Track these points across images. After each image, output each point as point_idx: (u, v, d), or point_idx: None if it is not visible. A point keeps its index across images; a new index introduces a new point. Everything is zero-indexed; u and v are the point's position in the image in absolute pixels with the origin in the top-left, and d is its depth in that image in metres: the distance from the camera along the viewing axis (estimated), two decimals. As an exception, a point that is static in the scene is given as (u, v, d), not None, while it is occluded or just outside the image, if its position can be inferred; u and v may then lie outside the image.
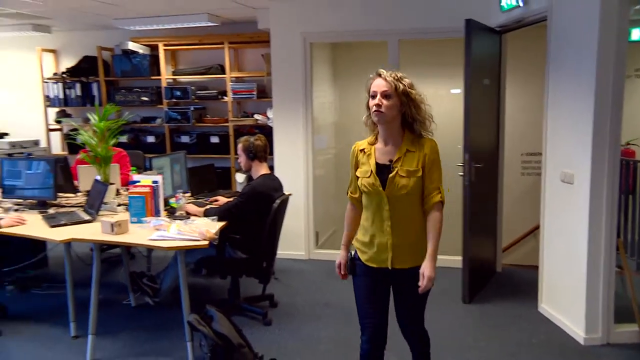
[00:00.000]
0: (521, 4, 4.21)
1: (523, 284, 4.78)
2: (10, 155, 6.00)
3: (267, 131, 5.74)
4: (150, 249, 4.78)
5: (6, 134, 7.04)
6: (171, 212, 3.92)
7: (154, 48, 6.84)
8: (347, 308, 3.93)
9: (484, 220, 4.87)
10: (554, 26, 3.91)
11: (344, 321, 3.98)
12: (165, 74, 6.81)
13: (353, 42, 5.59)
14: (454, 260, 4.69)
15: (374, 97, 2.33)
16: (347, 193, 2.60)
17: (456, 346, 3.62)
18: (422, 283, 2.33)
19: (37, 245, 4.65)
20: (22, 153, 6.32)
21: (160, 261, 4.94)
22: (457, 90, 5.84)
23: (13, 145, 6.56)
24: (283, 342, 3.70)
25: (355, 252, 2.53)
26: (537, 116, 4.31)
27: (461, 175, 4.40)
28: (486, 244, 5.00)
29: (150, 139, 6.89)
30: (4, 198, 4.45)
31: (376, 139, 2.46)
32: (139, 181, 3.87)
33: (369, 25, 5.20)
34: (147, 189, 3.75)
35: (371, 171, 2.39)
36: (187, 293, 3.32)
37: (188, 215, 3.89)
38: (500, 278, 5.04)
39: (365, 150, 2.48)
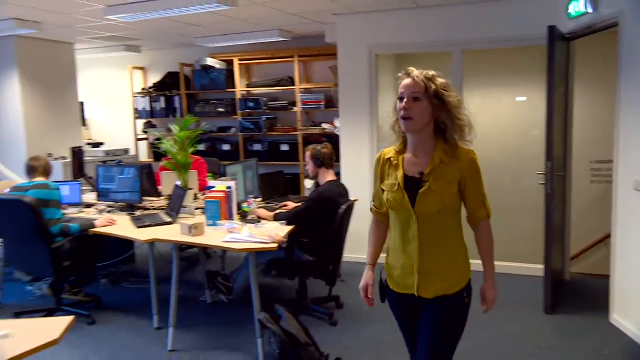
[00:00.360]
0: (590, 11, 3.97)
1: (592, 294, 4.51)
2: (104, 162, 6.33)
3: (334, 139, 5.74)
4: (224, 250, 4.89)
5: (102, 144, 7.45)
6: (243, 216, 3.99)
7: (229, 63, 7.04)
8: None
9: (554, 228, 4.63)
10: (625, 32, 3.67)
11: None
12: (240, 87, 6.99)
13: (417, 53, 5.49)
14: (524, 267, 4.48)
15: (401, 99, 1.92)
16: (371, 208, 2.23)
17: (526, 357, 3.45)
18: (486, 305, 2.06)
19: (127, 243, 4.88)
20: (114, 160, 6.66)
21: (233, 261, 5.04)
22: (523, 98, 5.62)
23: (107, 153, 6.94)
24: (347, 343, 3.67)
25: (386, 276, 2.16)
26: (606, 123, 4.06)
27: (542, 184, 4.19)
28: (555, 253, 4.74)
29: (226, 147, 7.08)
30: (99, 201, 4.71)
31: (405, 147, 2.04)
32: (214, 187, 3.98)
33: (433, 36, 5.10)
34: (221, 194, 3.84)
35: (398, 185, 1.98)
36: (258, 292, 3.37)
37: (259, 219, 3.94)
38: (569, 287, 4.77)
39: (392, 159, 2.05)
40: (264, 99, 6.76)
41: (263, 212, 4.03)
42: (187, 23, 5.50)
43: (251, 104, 6.80)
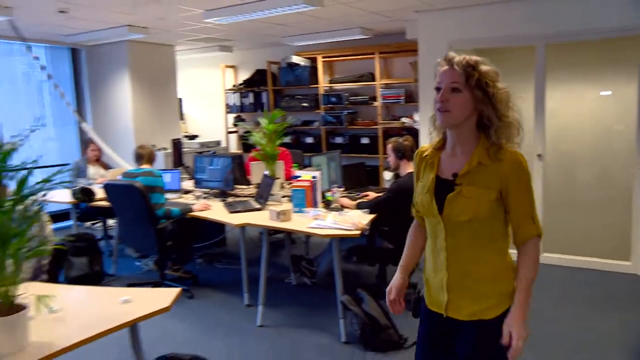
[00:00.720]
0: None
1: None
2: (200, 153, 6.68)
3: (412, 133, 5.71)
4: (308, 236, 5.02)
5: (197, 136, 7.87)
6: (327, 204, 4.08)
7: (313, 60, 7.16)
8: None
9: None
10: None
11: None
12: (323, 83, 7.10)
13: (496, 48, 5.31)
14: (608, 264, 4.24)
15: (438, 89, 1.60)
16: (412, 207, 1.86)
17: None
18: (511, 343, 1.56)
19: (218, 227, 5.15)
20: (208, 151, 7.02)
21: (316, 247, 5.17)
22: (607, 92, 5.29)
23: (201, 144, 7.33)
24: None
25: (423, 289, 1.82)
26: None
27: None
28: None
29: (309, 139, 7.23)
30: (196, 188, 5.00)
31: (444, 143, 1.72)
32: (300, 176, 4.09)
33: (515, 30, 4.92)
34: (307, 183, 3.95)
35: (428, 187, 1.69)
36: (341, 276, 3.44)
37: (342, 207, 4.02)
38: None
39: (428, 157, 1.74)
40: (346, 94, 6.83)
41: (346, 201, 4.10)
42: (275, 23, 5.66)
43: (333, 99, 6.90)
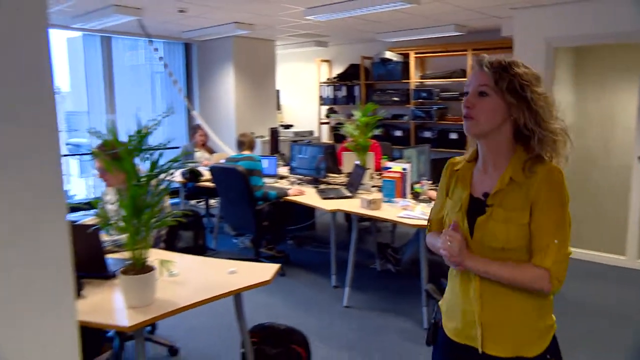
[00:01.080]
0: None
1: None
2: (295, 141, 6.90)
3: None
4: (394, 225, 5.04)
5: (291, 126, 8.12)
6: (415, 196, 4.07)
7: (405, 56, 7.10)
8: (603, 309, 3.61)
9: None
10: None
11: (598, 322, 3.63)
12: (414, 78, 7.03)
13: (596, 45, 4.97)
14: None
15: (466, 94, 1.39)
16: (427, 224, 1.64)
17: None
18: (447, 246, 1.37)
19: (308, 212, 5.31)
20: (302, 140, 7.23)
21: (401, 236, 5.18)
22: None
23: (296, 134, 7.55)
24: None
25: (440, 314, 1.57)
26: None
27: None
28: None
29: (398, 133, 7.21)
30: (290, 174, 5.19)
31: (477, 155, 1.47)
32: (391, 167, 4.12)
33: (621, 26, 4.56)
34: (397, 175, 3.97)
35: (461, 206, 1.44)
36: (426, 265, 3.45)
37: (430, 199, 4.00)
38: None
39: (460, 171, 1.49)
40: (437, 90, 6.72)
41: (434, 193, 4.07)
42: (370, 20, 5.69)
43: (424, 94, 6.81)
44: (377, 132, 4.88)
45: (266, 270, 2.46)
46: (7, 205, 1.39)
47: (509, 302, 1.37)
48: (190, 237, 5.02)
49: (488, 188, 1.39)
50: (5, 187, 1.42)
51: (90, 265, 2.25)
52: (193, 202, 6.41)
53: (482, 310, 1.39)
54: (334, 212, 3.98)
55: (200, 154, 6.01)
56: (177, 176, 5.09)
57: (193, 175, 5.10)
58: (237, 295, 2.33)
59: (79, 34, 6.48)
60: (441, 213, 1.55)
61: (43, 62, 1.43)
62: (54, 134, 1.46)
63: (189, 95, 7.54)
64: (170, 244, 3.20)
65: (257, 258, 4.65)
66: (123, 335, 2.93)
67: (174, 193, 6.38)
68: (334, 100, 7.99)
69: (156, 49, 6.44)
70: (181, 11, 5.17)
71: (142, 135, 1.99)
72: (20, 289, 1.44)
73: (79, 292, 2.11)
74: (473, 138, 1.44)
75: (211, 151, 6.22)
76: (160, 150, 2.04)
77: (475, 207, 1.40)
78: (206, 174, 5.02)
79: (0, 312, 1.41)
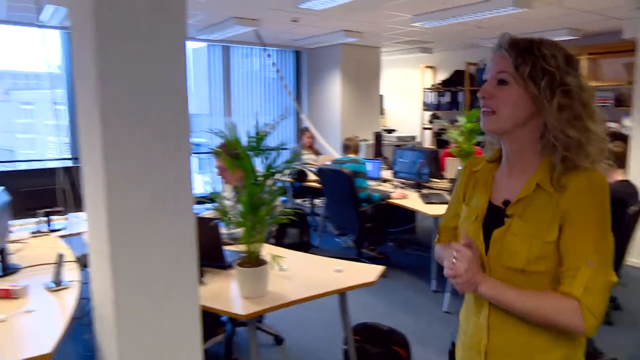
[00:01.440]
0: None
1: None
2: (398, 146, 6.81)
3: (622, 139, 4.94)
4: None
5: (394, 130, 8.03)
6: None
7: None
8: None
9: None
10: None
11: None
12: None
13: None
14: None
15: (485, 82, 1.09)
16: (438, 234, 1.34)
17: None
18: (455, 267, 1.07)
19: (410, 215, 5.20)
20: (405, 144, 7.10)
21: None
22: None
23: (398, 138, 7.44)
24: (623, 344, 3.22)
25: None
26: None
27: None
28: None
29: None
30: (393, 177, 5.12)
31: (500, 156, 1.17)
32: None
33: None
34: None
35: (477, 215, 1.14)
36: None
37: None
38: None
39: (479, 173, 1.20)
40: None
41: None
42: (476, 26, 5.43)
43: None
44: (480, 138, 4.64)
45: (371, 271, 2.43)
46: (149, 195, 1.52)
47: (523, 331, 1.07)
48: (296, 234, 5.15)
49: (511, 195, 1.09)
50: (150, 180, 1.56)
51: (210, 255, 2.39)
52: (299, 200, 6.58)
53: (490, 339, 1.13)
54: (435, 217, 3.85)
55: (307, 156, 6.15)
56: (286, 176, 5.25)
57: (300, 176, 5.23)
58: (342, 293, 2.34)
59: (203, 44, 6.96)
60: (454, 221, 1.25)
61: (180, 75, 1.55)
62: (186, 138, 1.58)
63: (298, 99, 7.76)
64: (279, 240, 3.29)
65: (359, 258, 4.64)
66: (235, 321, 3.08)
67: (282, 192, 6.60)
68: (437, 106, 7.76)
69: (269, 55, 6.73)
70: (294, 21, 5.33)
71: (260, 136, 2.06)
72: (156, 265, 1.57)
73: (201, 278, 2.24)
74: (494, 135, 1.13)
75: (317, 153, 6.34)
76: (277, 151, 2.11)
77: (494, 218, 1.11)
78: (311, 175, 5.12)
79: (140, 284, 1.55)
